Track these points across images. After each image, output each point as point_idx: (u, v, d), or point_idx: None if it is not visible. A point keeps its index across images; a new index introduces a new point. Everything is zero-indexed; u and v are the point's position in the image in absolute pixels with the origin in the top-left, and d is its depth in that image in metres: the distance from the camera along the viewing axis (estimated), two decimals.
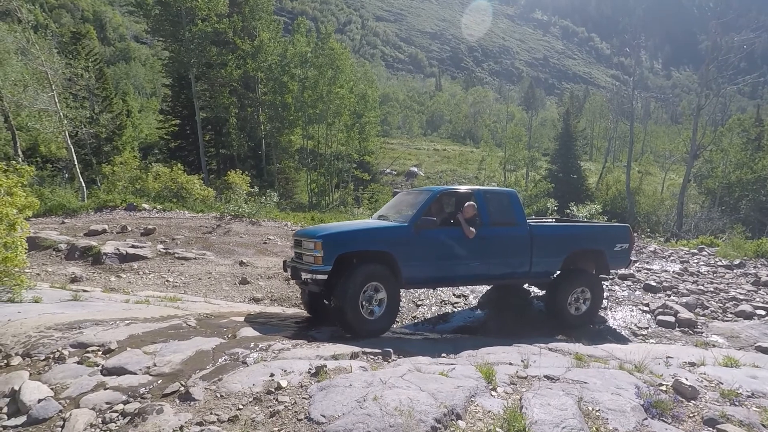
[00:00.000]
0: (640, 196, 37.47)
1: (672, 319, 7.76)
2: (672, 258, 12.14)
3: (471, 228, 6.09)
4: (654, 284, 9.35)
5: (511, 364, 4.51)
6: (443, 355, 4.92)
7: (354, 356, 4.37)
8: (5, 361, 3.93)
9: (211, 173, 28.29)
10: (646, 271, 10.57)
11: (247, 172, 20.24)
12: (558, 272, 6.96)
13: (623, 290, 9.25)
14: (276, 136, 30.84)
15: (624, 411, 3.34)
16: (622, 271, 10.27)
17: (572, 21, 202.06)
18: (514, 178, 41.11)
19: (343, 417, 2.87)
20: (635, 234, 14.06)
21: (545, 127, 67.63)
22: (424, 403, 3.07)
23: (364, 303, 5.48)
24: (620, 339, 7.22)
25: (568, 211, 14.42)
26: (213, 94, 27.54)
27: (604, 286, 7.50)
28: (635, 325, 7.72)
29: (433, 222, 5.86)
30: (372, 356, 4.49)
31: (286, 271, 6.29)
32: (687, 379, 4.01)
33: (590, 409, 3.37)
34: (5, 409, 3.25)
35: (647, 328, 7.60)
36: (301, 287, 6.65)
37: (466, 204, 6.28)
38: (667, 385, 3.98)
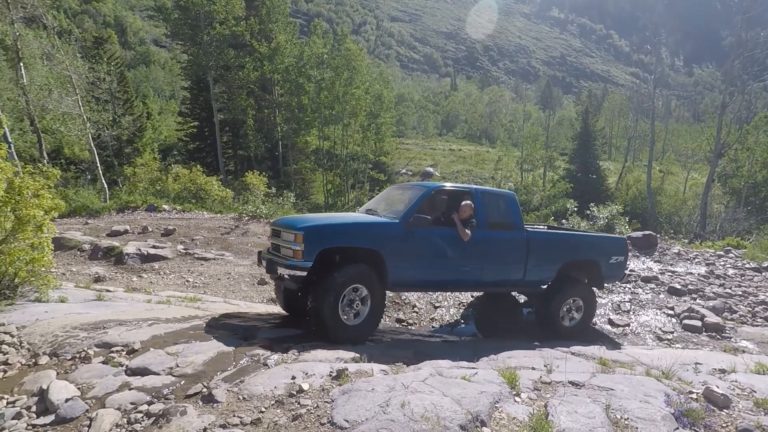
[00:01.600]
0: (662, 196, 36.65)
1: (698, 323, 7.56)
2: (697, 260, 11.82)
3: (467, 230, 5.69)
4: (679, 287, 9.11)
5: (533, 368, 4.43)
6: (464, 358, 4.86)
7: (374, 359, 4.34)
8: (33, 360, 4.01)
9: (229, 174, 28.64)
10: (670, 274, 10.31)
11: (264, 173, 20.41)
12: (549, 283, 6.64)
13: (646, 293, 9.04)
14: (292, 137, 31.10)
15: (654, 420, 3.23)
16: (645, 274, 10.05)
17: (590, 18, 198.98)
18: (531, 178, 40.63)
19: (366, 422, 2.84)
20: (657, 235, 13.75)
21: (563, 127, 66.68)
22: (448, 409, 3.02)
23: (345, 306, 5.00)
24: (645, 343, 7.05)
25: (588, 211, 14.15)
26: (231, 96, 27.90)
27: (596, 297, 7.19)
28: (660, 329, 7.54)
29: (427, 220, 5.39)
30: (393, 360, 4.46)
31: (260, 264, 5.71)
32: (718, 387, 3.88)
33: (618, 417, 3.28)
34: (34, 408, 3.30)
35: (672, 333, 7.42)
36: (277, 282, 6.09)
37: (463, 203, 5.86)
38: (697, 393, 3.85)
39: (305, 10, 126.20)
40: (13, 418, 3.14)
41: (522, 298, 8.37)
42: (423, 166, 48.10)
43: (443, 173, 45.52)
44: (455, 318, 7.73)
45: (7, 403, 3.34)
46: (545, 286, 6.63)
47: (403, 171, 45.98)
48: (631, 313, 8.15)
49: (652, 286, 9.42)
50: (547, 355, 4.99)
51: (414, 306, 7.91)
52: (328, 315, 4.82)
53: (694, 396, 3.80)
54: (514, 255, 6.18)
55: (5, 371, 3.85)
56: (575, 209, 14.69)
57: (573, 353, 5.32)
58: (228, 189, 19.22)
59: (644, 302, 8.57)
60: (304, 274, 4.89)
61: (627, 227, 13.96)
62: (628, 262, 7.48)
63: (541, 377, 4.04)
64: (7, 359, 3.97)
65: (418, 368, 4.17)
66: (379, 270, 5.20)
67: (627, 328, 7.61)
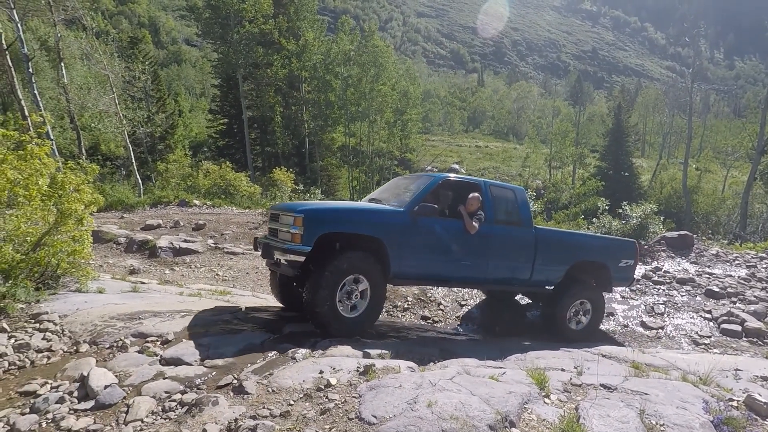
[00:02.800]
0: (699, 194, 35.18)
1: (738, 328, 7.25)
2: (737, 262, 11.30)
3: (474, 223, 5.43)
4: (717, 290, 8.75)
5: (563, 370, 4.34)
6: (490, 357, 4.81)
7: (401, 356, 4.34)
8: (75, 348, 4.19)
9: (257, 170, 29.14)
10: (707, 276, 9.90)
11: (291, 170, 20.72)
12: (555, 285, 6.36)
13: (682, 295, 8.72)
14: (319, 134, 31.39)
15: (692, 427, 3.12)
16: (680, 275, 9.70)
17: (624, 11, 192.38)
18: (560, 176, 39.75)
19: (394, 419, 2.84)
20: (694, 236, 13.22)
21: (594, 123, 64.84)
22: (477, 408, 2.99)
23: (342, 297, 4.76)
24: (680, 347, 6.81)
25: (620, 210, 13.73)
26: (259, 93, 28.36)
27: (605, 300, 6.87)
28: (696, 333, 7.27)
29: (433, 209, 5.13)
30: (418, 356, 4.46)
31: (256, 249, 5.48)
32: (761, 395, 3.70)
33: (653, 423, 3.17)
34: (76, 393, 3.45)
35: (710, 337, 7.14)
36: (272, 270, 5.88)
37: (471, 196, 5.59)
38: (738, 401, 3.69)
39: (332, 8, 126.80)
40: (56, 402, 3.29)
41: (524, 300, 8.16)
42: (449, 162, 47.73)
43: (469, 170, 45.04)
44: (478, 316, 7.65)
45: (51, 388, 3.50)
46: (551, 288, 6.36)
47: (429, 168, 45.75)
48: (665, 315, 7.88)
49: (688, 288, 9.08)
50: (576, 356, 4.88)
51: (440, 304, 7.87)
52: (324, 305, 4.57)
53: (734, 404, 3.64)
54: (521, 252, 5.91)
55: (49, 357, 4.04)
56: (606, 208, 14.27)
57: (604, 355, 5.18)
58: (256, 185, 19.58)
59: (680, 305, 8.26)
60: (302, 259, 4.62)
61: (661, 227, 13.48)
62: (637, 267, 7.12)
63: (570, 379, 3.95)
64: (51, 346, 4.17)
65: (444, 366, 4.15)
66: (381, 261, 4.96)
67: (661, 331, 7.36)
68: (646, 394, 3.65)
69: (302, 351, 4.23)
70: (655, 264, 10.90)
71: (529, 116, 73.41)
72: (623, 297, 8.74)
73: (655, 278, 9.60)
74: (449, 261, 5.44)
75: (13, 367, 3.83)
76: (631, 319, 7.76)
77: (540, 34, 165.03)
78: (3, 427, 3.03)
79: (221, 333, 4.66)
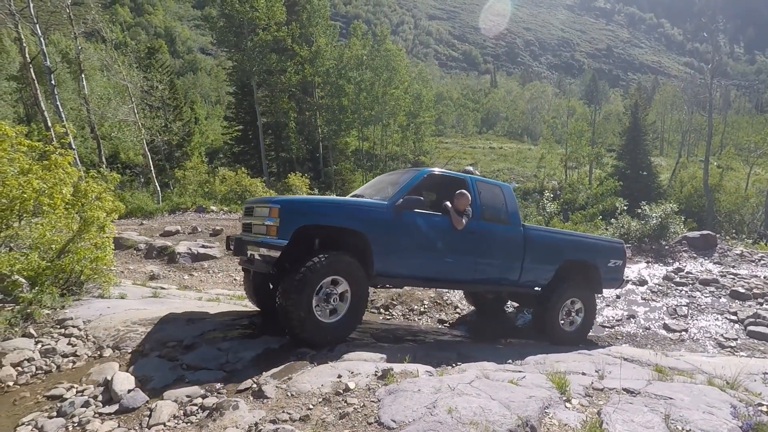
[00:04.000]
0: (720, 193, 34.31)
1: (766, 330, 7.04)
2: (763, 262, 10.99)
3: (461, 218, 5.18)
4: (742, 291, 8.52)
5: (584, 374, 4.27)
6: (509, 361, 4.76)
7: (418, 360, 4.32)
8: (98, 353, 4.28)
9: (272, 176, 29.47)
10: (732, 276, 9.65)
11: (305, 174, 20.91)
12: (543, 285, 6.15)
13: (706, 297, 8.51)
14: (333, 138, 31.62)
15: None
16: (703, 276, 9.47)
17: (638, 7, 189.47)
18: (576, 176, 39.23)
19: (413, 423, 2.83)
20: (717, 235, 12.89)
21: (610, 122, 63.87)
22: (497, 413, 2.96)
23: (320, 301, 4.40)
24: (705, 350, 6.64)
25: (639, 210, 13.46)
26: (273, 99, 28.73)
27: (596, 301, 6.67)
28: (722, 335, 7.08)
29: (419, 201, 4.83)
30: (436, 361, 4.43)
31: (229, 248, 5.04)
32: None
33: (679, 428, 3.09)
34: (100, 397, 3.52)
35: (736, 340, 6.95)
36: (246, 269, 5.56)
37: (459, 192, 5.34)
38: None
39: (344, 13, 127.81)
40: (82, 406, 3.37)
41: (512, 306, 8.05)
42: (463, 165, 47.54)
43: (483, 172, 44.76)
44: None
45: (77, 392, 3.58)
46: (539, 289, 6.17)
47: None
48: (688, 317, 7.71)
49: (712, 289, 8.85)
50: (598, 360, 4.80)
51: (456, 307, 7.83)
52: (299, 309, 4.18)
53: (764, 408, 3.53)
54: (510, 251, 5.67)
55: (74, 362, 4.13)
56: (625, 208, 14.01)
57: (625, 358, 5.08)
58: (271, 190, 19.79)
59: (703, 306, 8.07)
60: (278, 254, 4.24)
61: (682, 227, 13.18)
62: (625, 267, 6.91)
63: (592, 383, 3.88)
64: (76, 351, 4.26)
65: (463, 370, 4.12)
66: (363, 261, 4.65)
67: (684, 333, 7.19)
68: (671, 398, 3.56)
69: (320, 355, 4.25)
70: (676, 265, 10.67)
71: (544, 116, 72.58)
72: (644, 299, 8.57)
73: (677, 279, 9.39)
74: (435, 258, 5.15)
75: (40, 371, 3.93)
76: (653, 322, 7.60)
77: (553, 33, 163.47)
78: (32, 430, 3.11)
79: (240, 337, 4.70)
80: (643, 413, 3.20)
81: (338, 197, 5.60)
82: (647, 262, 11.12)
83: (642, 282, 9.43)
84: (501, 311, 7.98)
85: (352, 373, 3.67)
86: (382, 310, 7.73)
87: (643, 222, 12.89)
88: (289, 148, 30.18)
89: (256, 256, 4.27)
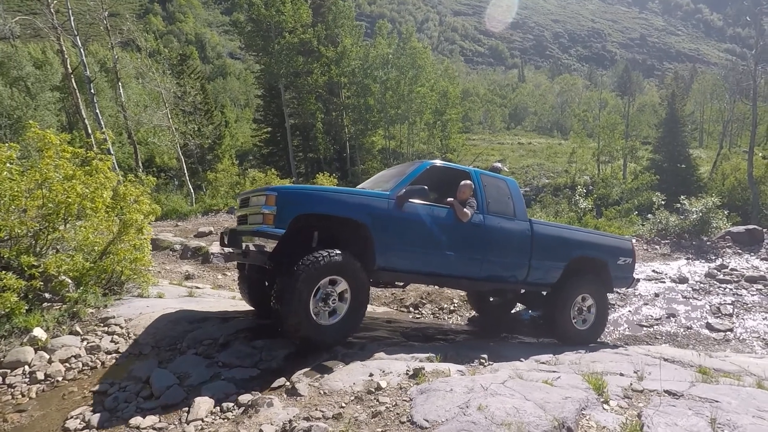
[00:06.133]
0: (767, 185, 32.51)
1: None
2: None
3: (465, 209, 4.99)
4: None
5: (622, 375, 4.14)
6: (543, 361, 4.66)
7: (449, 359, 4.29)
8: (139, 350, 4.45)
9: (300, 176, 29.88)
10: None
11: (333, 175, 21.07)
12: (551, 286, 5.89)
13: (752, 294, 8.09)
14: (359, 138, 31.78)
15: None
16: (749, 273, 9.01)
17: None
18: (609, 170, 38.00)
19: (446, 423, 2.81)
20: (763, 230, 12.21)
21: (644, 114, 61.53)
22: (531, 414, 2.90)
23: (318, 301, 4.17)
24: (752, 351, 6.31)
25: (678, 205, 12.91)
26: (300, 101, 29.11)
27: (608, 297, 6.36)
28: None
29: (422, 191, 4.60)
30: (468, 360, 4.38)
31: (223, 243, 4.89)
32: None
33: None
34: (142, 393, 3.66)
35: None
36: (240, 264, 5.33)
37: (462, 183, 5.20)
38: None
39: (368, 12, 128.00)
40: (124, 401, 3.51)
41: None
42: (491, 161, 46.80)
43: (512, 168, 43.98)
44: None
45: (119, 388, 3.73)
46: (545, 293, 5.98)
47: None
48: (734, 316, 7.35)
49: (759, 287, 8.41)
50: (636, 360, 4.64)
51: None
52: (296, 310, 3.94)
53: None
54: (517, 246, 5.45)
55: (116, 359, 4.31)
56: (662, 203, 13.46)
57: (666, 359, 4.90)
58: None
59: (750, 305, 7.67)
60: (275, 243, 4.00)
61: (725, 221, 12.57)
62: (635, 266, 6.55)
63: (631, 384, 3.75)
64: (118, 348, 4.45)
65: (495, 369, 4.07)
66: (363, 258, 4.43)
67: (729, 333, 6.86)
68: (717, 401, 3.40)
69: (351, 354, 4.28)
70: (719, 261, 10.19)
71: (574, 110, 70.39)
72: (685, 297, 8.23)
73: (720, 276, 8.97)
74: (440, 252, 4.90)
75: (86, 367, 4.12)
76: (695, 321, 7.28)
77: (583, 24, 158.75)
78: (80, 423, 3.26)
79: (272, 336, 4.79)
80: (687, 416, 3.07)
81: (339, 187, 5.36)
82: (687, 259, 10.67)
83: (682, 279, 9.05)
84: (506, 313, 7.69)
85: (383, 371, 3.68)
86: (411, 308, 7.72)
87: (682, 217, 12.37)
88: (316, 149, 30.52)
89: (251, 247, 3.98)
